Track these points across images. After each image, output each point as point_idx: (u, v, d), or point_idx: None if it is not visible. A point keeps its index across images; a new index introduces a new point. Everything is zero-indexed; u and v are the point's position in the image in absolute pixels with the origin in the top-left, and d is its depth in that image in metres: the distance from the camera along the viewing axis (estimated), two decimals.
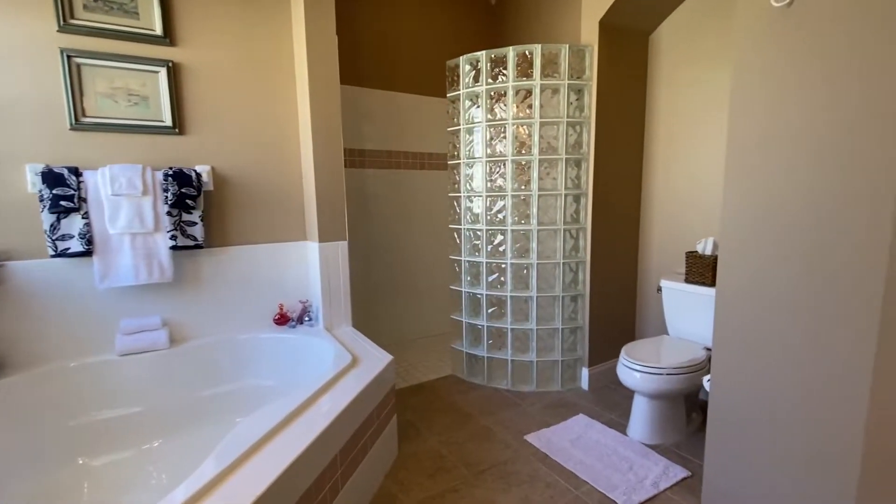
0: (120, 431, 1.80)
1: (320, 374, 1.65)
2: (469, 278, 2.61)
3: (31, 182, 1.72)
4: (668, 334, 2.28)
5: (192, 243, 1.96)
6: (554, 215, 2.41)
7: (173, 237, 1.91)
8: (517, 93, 2.34)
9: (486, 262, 2.51)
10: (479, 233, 2.52)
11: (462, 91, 2.45)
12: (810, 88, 0.96)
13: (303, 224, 2.32)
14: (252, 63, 2.11)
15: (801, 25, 0.96)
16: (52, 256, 1.74)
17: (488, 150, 2.41)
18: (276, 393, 2.03)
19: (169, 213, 1.89)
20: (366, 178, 3.02)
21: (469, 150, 2.50)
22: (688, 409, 2.08)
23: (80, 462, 1.70)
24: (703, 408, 2.23)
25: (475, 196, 2.50)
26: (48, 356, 1.81)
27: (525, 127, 2.36)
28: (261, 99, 2.15)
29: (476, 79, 2.41)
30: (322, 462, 1.28)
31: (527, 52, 2.29)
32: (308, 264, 2.32)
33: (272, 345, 2.13)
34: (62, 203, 1.71)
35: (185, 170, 1.91)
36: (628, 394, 2.44)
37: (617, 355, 2.64)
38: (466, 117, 2.47)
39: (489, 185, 2.45)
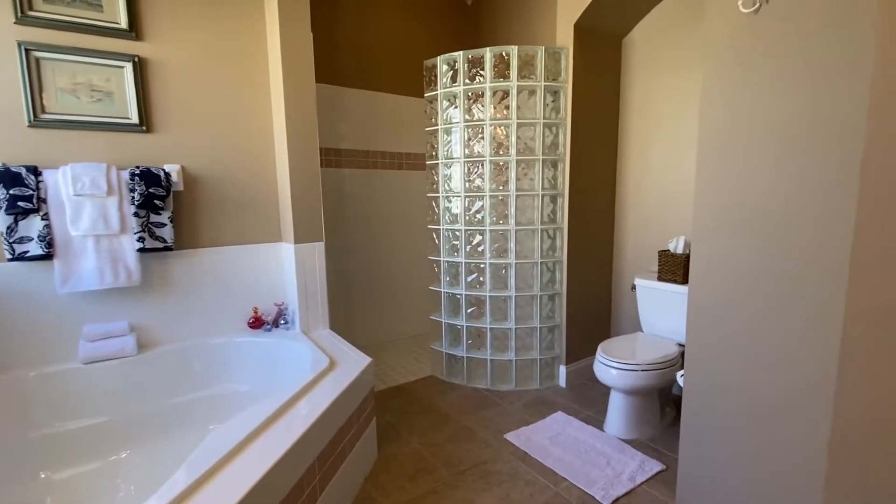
0: (85, 443, 1.72)
1: (297, 378, 1.62)
2: (448, 278, 2.61)
3: None
4: (642, 331, 2.34)
5: (161, 245, 1.89)
6: (531, 215, 2.44)
7: (141, 239, 1.84)
8: (494, 94, 2.35)
9: (465, 263, 2.51)
10: (457, 233, 2.52)
11: (440, 91, 2.44)
12: (777, 91, 1.00)
13: (278, 225, 2.27)
14: (224, 59, 2.05)
15: (767, 32, 1.00)
16: (10, 260, 1.65)
17: (466, 151, 2.42)
18: (252, 398, 1.98)
19: (136, 215, 1.82)
20: (342, 178, 2.98)
21: (447, 151, 2.50)
22: (662, 403, 2.13)
23: (43, 476, 1.62)
24: (676, 402, 2.30)
25: (454, 196, 2.50)
26: (6, 365, 1.71)
27: (502, 128, 2.38)
28: (233, 96, 2.09)
29: (454, 79, 2.41)
30: (300, 468, 1.26)
31: (504, 54, 2.30)
32: (283, 266, 2.27)
33: (247, 349, 2.08)
34: (20, 204, 1.62)
35: (153, 169, 1.85)
36: (605, 390, 2.48)
37: (593, 353, 2.68)
38: (444, 117, 2.47)
39: (467, 185, 2.45)
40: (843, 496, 0.93)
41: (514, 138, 2.34)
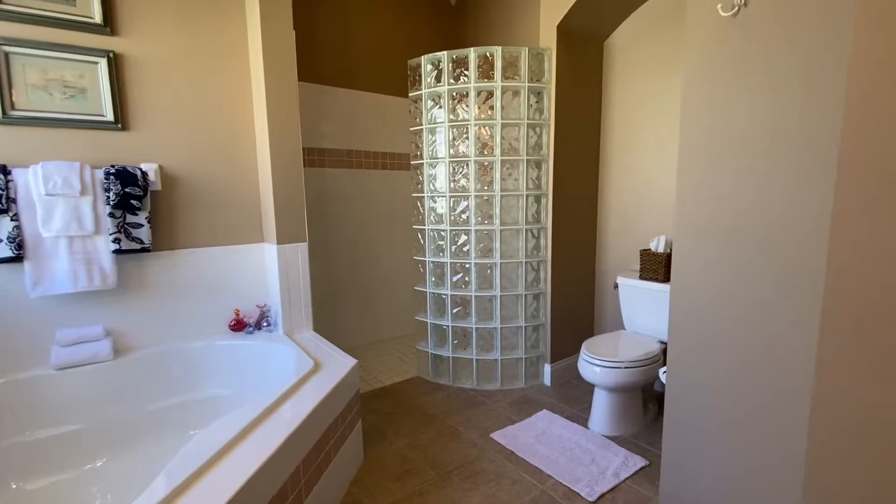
0: (58, 451, 1.66)
1: (281, 381, 1.59)
2: (433, 279, 2.60)
3: None
4: (624, 329, 2.37)
5: (137, 247, 1.83)
6: (516, 215, 2.45)
7: (116, 240, 1.78)
8: (479, 94, 2.36)
9: (451, 263, 2.51)
10: (443, 233, 2.52)
11: (424, 91, 2.44)
12: (756, 94, 1.03)
13: (259, 225, 2.23)
14: (203, 56, 2.00)
15: (747, 34, 1.03)
16: None
17: (451, 151, 2.42)
18: (234, 403, 1.94)
19: (111, 215, 1.77)
20: (326, 178, 2.95)
21: (432, 151, 2.49)
22: (644, 400, 2.17)
23: (14, 487, 1.55)
24: (658, 399, 2.34)
25: (439, 196, 2.50)
26: None
27: (487, 128, 2.38)
28: (213, 94, 2.04)
29: (438, 79, 2.41)
30: (284, 473, 1.24)
31: (488, 54, 2.31)
32: (266, 267, 2.24)
33: (228, 352, 2.04)
34: None
35: (129, 168, 1.79)
36: (589, 388, 2.51)
37: (577, 351, 2.71)
38: (429, 117, 2.46)
39: (452, 185, 2.45)
40: (823, 494, 0.96)
41: (498, 139, 2.35)
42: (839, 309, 0.89)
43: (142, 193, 1.81)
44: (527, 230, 2.47)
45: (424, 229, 2.58)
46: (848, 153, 0.84)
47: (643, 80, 2.40)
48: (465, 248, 2.50)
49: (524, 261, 2.48)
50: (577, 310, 2.71)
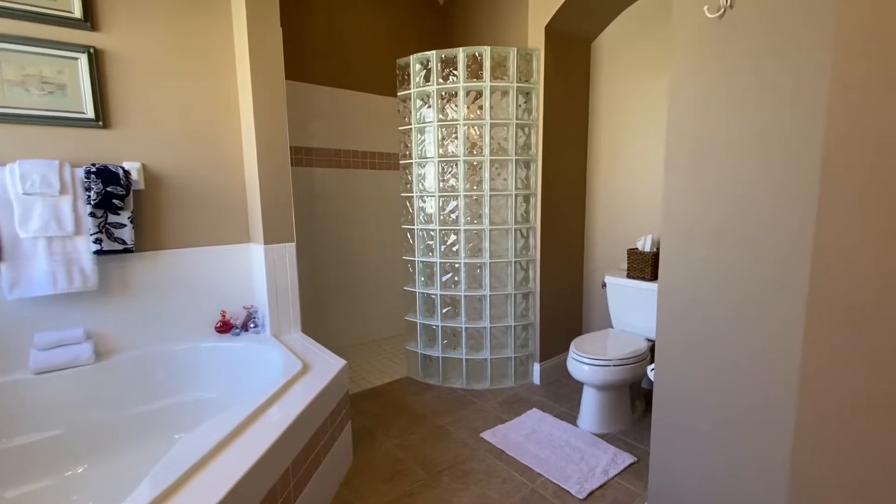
0: (37, 458, 1.61)
1: (269, 383, 1.57)
2: (423, 279, 2.59)
3: None
4: (612, 327, 2.39)
5: (120, 247, 1.79)
6: (505, 215, 2.46)
7: (98, 241, 1.74)
8: (468, 94, 2.36)
9: (440, 262, 2.51)
10: (432, 233, 2.51)
11: (413, 90, 2.43)
12: (742, 95, 1.04)
13: (246, 225, 2.20)
14: (188, 52, 1.97)
15: (733, 36, 1.04)
16: None
17: (440, 151, 2.41)
18: (221, 406, 1.91)
19: (92, 215, 1.72)
20: (313, 178, 2.92)
21: (421, 150, 2.49)
22: (632, 397, 2.19)
23: None
24: (645, 396, 2.37)
25: (428, 196, 2.49)
26: None
27: (476, 128, 2.39)
28: (198, 92, 2.01)
29: (427, 78, 2.40)
30: (273, 476, 1.22)
31: (476, 54, 2.31)
32: (252, 268, 2.21)
33: (214, 354, 2.00)
34: None
35: (110, 166, 1.75)
36: (578, 386, 2.53)
37: (566, 350, 2.73)
38: (418, 117, 2.46)
39: (442, 185, 2.45)
40: (808, 492, 0.98)
41: (487, 138, 2.35)
42: (824, 309, 0.91)
43: (124, 193, 1.77)
44: (516, 230, 2.48)
45: (413, 229, 2.57)
46: (831, 154, 0.86)
47: (630, 81, 2.43)
48: (454, 248, 2.50)
49: (513, 260, 2.48)
50: (566, 309, 2.73)
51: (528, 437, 2.02)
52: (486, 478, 1.75)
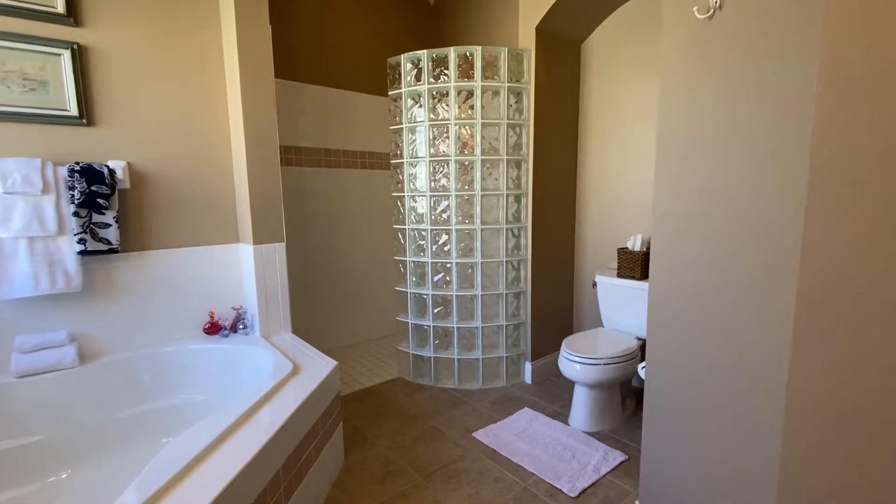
0: (19, 464, 1.57)
1: (258, 384, 1.55)
2: (414, 279, 2.59)
3: None
4: (603, 326, 2.41)
5: (105, 247, 1.76)
6: (497, 215, 2.46)
7: (82, 241, 1.70)
8: (459, 93, 2.36)
9: (432, 262, 2.50)
10: (423, 233, 2.50)
11: (404, 89, 2.42)
12: (731, 95, 1.05)
13: (235, 225, 2.17)
14: (175, 49, 1.94)
15: (722, 36, 1.05)
16: None
17: (431, 150, 2.41)
18: (210, 408, 1.88)
19: (76, 214, 1.68)
20: (303, 177, 2.89)
21: (412, 150, 2.48)
22: (622, 396, 2.21)
23: None
24: (636, 394, 2.39)
25: (419, 196, 2.49)
26: None
27: (467, 127, 2.38)
28: (185, 89, 1.98)
29: (418, 77, 2.39)
30: (263, 479, 1.20)
31: (468, 54, 2.31)
32: (241, 268, 2.18)
33: (203, 356, 1.97)
34: None
35: (95, 165, 1.71)
36: (569, 385, 2.54)
37: (557, 349, 2.74)
38: (409, 116, 2.45)
39: (433, 184, 2.44)
40: (797, 490, 0.99)
41: (478, 138, 2.35)
42: (812, 310, 0.92)
43: (109, 192, 1.73)
44: (507, 229, 2.48)
45: (405, 229, 2.56)
46: (818, 154, 0.87)
47: (620, 81, 2.45)
48: (445, 248, 2.50)
49: (505, 260, 2.49)
50: (557, 308, 2.74)
51: (519, 436, 2.02)
52: (479, 477, 1.75)
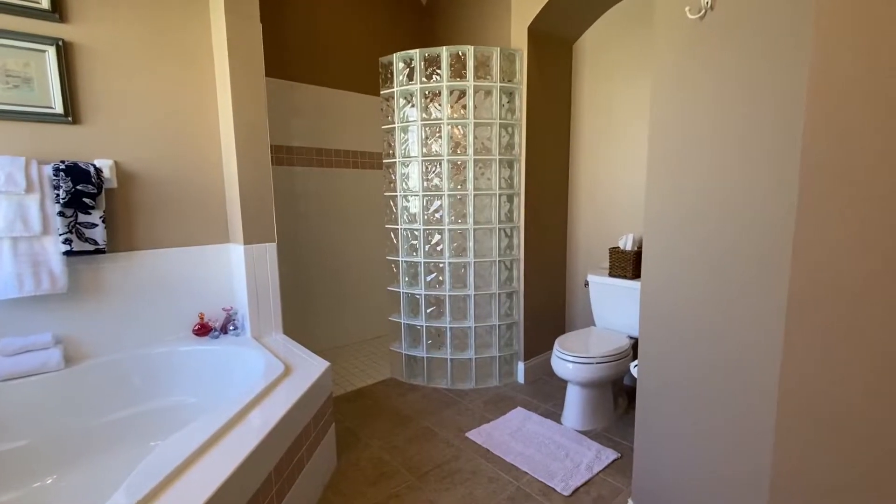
0: (3, 469, 1.53)
1: (250, 386, 1.53)
2: (407, 279, 2.58)
3: None
4: (595, 325, 2.42)
5: (91, 248, 1.72)
6: (489, 214, 2.46)
7: (67, 241, 1.67)
8: (451, 93, 2.35)
9: (424, 262, 2.49)
10: (416, 232, 2.49)
11: (396, 89, 2.41)
12: (724, 96, 1.06)
13: (225, 225, 2.14)
14: (163, 46, 1.91)
15: (714, 37, 1.06)
16: None
17: (424, 150, 2.40)
18: (200, 411, 1.85)
19: (62, 214, 1.65)
20: (295, 177, 2.87)
21: (404, 149, 2.47)
22: (615, 394, 2.22)
23: None
24: (627, 393, 2.40)
25: (412, 195, 2.48)
26: None
27: (460, 127, 2.38)
28: (174, 86, 1.95)
29: (410, 77, 2.38)
30: (255, 482, 1.19)
31: (460, 53, 2.31)
32: (232, 269, 2.15)
33: (192, 358, 1.94)
34: None
35: (81, 164, 1.68)
36: (561, 384, 2.55)
37: (549, 348, 2.75)
38: (401, 116, 2.44)
39: (425, 184, 2.44)
40: (790, 488, 1.00)
41: (471, 138, 2.35)
42: (804, 310, 0.93)
43: (95, 191, 1.70)
44: (500, 229, 2.48)
45: (397, 229, 2.55)
46: (810, 154, 0.88)
47: (611, 82, 2.46)
48: (438, 248, 2.49)
49: (497, 260, 2.49)
50: (550, 307, 2.75)
51: (513, 435, 2.02)
52: (472, 477, 1.75)
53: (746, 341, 1.04)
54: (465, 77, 2.31)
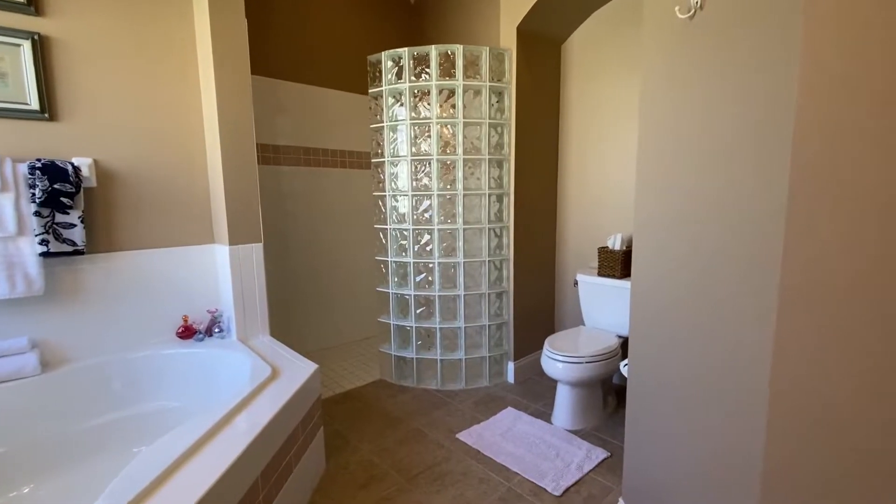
0: None
1: (236, 390, 1.50)
2: (396, 279, 2.56)
3: None
4: (584, 325, 2.43)
5: (69, 249, 1.67)
6: (479, 214, 2.45)
7: (44, 242, 1.61)
8: (440, 92, 2.34)
9: (414, 262, 2.48)
10: (405, 232, 2.47)
11: (385, 87, 2.39)
12: (713, 96, 1.06)
13: (209, 225, 2.10)
14: (145, 41, 1.86)
15: (704, 36, 1.06)
16: None
17: (413, 149, 2.38)
18: (184, 415, 1.81)
19: (38, 214, 1.60)
20: (281, 176, 2.83)
21: (393, 149, 2.45)
22: (604, 393, 2.23)
23: None
24: (617, 392, 2.41)
25: (401, 195, 2.46)
26: None
27: (449, 127, 2.37)
28: (156, 82, 1.90)
29: (399, 76, 2.36)
30: (241, 488, 1.16)
31: (449, 52, 2.30)
32: (217, 270, 2.11)
33: (176, 361, 1.90)
34: None
35: (58, 162, 1.63)
36: (551, 384, 2.55)
37: (539, 348, 2.75)
38: (390, 115, 2.42)
39: (415, 184, 2.42)
40: (781, 487, 1.01)
41: (460, 137, 2.34)
42: (795, 309, 0.93)
43: (73, 190, 1.65)
44: (489, 229, 2.48)
45: (386, 229, 2.52)
46: (800, 154, 0.89)
47: (600, 82, 2.47)
48: (427, 248, 2.47)
49: (487, 259, 2.48)
50: (539, 307, 2.75)
51: (503, 435, 2.02)
52: (463, 478, 1.74)
53: (737, 340, 1.05)
54: (455, 76, 2.30)
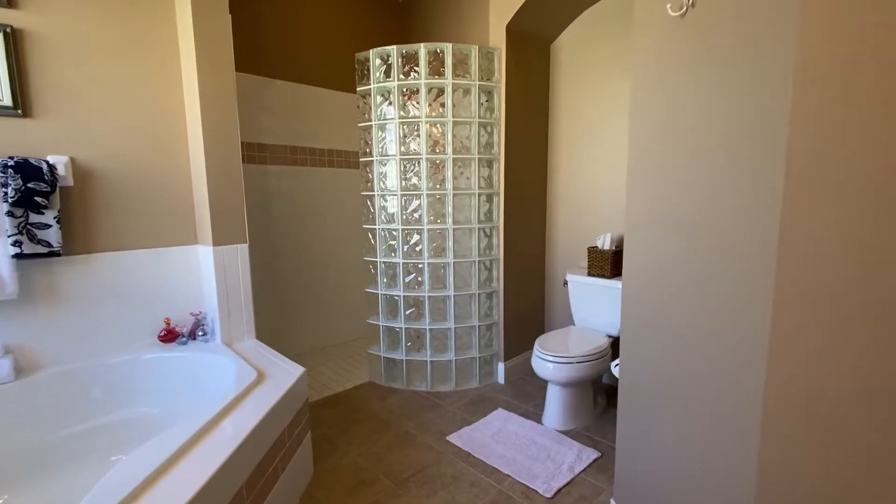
0: None
1: (220, 395, 1.46)
2: (385, 280, 2.52)
3: None
4: (574, 325, 2.43)
5: (44, 250, 1.61)
6: (469, 214, 2.43)
7: (17, 243, 1.55)
8: (430, 91, 2.32)
9: (403, 263, 2.45)
10: (394, 232, 2.44)
11: (373, 86, 2.36)
12: (705, 94, 1.06)
13: (193, 225, 2.04)
14: (124, 35, 1.80)
15: (695, 34, 1.06)
16: None
17: (402, 148, 2.36)
18: (166, 422, 1.76)
19: (10, 214, 1.53)
20: (268, 176, 2.78)
21: (382, 148, 2.42)
22: (594, 393, 2.23)
23: None
24: (606, 392, 2.41)
25: (390, 195, 2.43)
26: None
27: (438, 126, 2.35)
28: (136, 78, 1.84)
29: (387, 74, 2.33)
30: (225, 497, 1.12)
31: (438, 51, 2.28)
32: (200, 271, 2.05)
33: (158, 366, 1.84)
34: None
35: (32, 160, 1.56)
36: (542, 384, 2.55)
37: (529, 348, 2.75)
38: (378, 113, 2.39)
39: (404, 183, 2.39)
40: (775, 486, 1.00)
41: (450, 136, 2.32)
42: (789, 309, 0.93)
43: (48, 189, 1.59)
44: (479, 229, 2.46)
45: (375, 229, 2.49)
46: (794, 152, 0.89)
47: (589, 81, 2.47)
48: (417, 248, 2.45)
49: (477, 260, 2.47)
50: (529, 307, 2.74)
51: (494, 437, 2.00)
52: (454, 482, 1.71)
53: (732, 340, 1.05)
54: (444, 75, 2.28)
